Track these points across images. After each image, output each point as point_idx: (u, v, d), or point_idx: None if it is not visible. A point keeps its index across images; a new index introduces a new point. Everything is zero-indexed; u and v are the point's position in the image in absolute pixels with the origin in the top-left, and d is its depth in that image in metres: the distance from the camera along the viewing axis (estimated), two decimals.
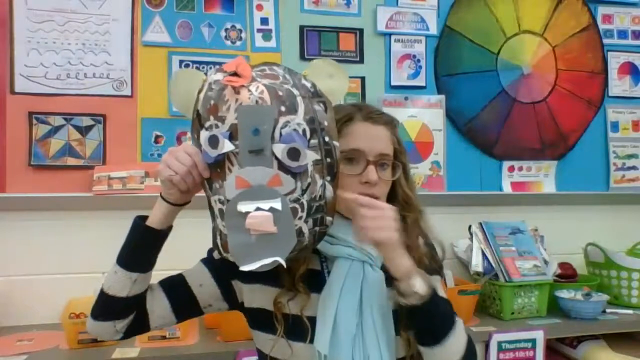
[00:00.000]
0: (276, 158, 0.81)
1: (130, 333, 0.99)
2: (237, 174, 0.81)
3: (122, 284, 0.94)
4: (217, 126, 0.82)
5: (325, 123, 0.87)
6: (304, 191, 0.84)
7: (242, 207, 0.81)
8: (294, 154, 0.81)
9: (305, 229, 0.85)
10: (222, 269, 1.00)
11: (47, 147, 1.75)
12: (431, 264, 1.04)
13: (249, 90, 0.81)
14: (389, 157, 1.01)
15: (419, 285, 0.90)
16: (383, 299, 0.96)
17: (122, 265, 0.94)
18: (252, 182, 0.81)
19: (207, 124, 0.84)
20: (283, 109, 0.82)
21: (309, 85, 0.88)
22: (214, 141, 0.81)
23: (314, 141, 0.85)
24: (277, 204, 0.81)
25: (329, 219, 0.89)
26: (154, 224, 0.94)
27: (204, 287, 1.02)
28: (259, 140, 0.80)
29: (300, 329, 0.95)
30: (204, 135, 0.83)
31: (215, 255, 1.01)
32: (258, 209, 0.81)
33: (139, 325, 0.99)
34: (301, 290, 0.96)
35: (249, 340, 1.08)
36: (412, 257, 0.95)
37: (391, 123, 1.04)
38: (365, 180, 0.96)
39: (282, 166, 0.82)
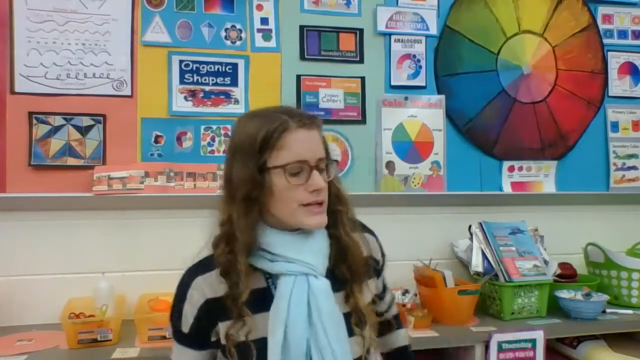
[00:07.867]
0: None
1: None
2: None
3: None
4: None
5: None
6: None
7: None
8: None
9: None
10: (198, 335, 1.01)
11: (47, 147, 1.75)
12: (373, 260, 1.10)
13: None
14: (324, 160, 1.01)
15: None
16: (331, 306, 0.98)
17: None
18: None
19: None
20: None
21: None
22: None
23: None
24: None
25: None
26: None
27: None
28: None
29: (252, 355, 0.96)
30: None
31: (184, 327, 1.01)
32: None
33: None
34: (247, 315, 0.95)
35: None
36: (352, 251, 1.01)
37: (320, 124, 1.04)
38: (313, 189, 0.96)
39: None
